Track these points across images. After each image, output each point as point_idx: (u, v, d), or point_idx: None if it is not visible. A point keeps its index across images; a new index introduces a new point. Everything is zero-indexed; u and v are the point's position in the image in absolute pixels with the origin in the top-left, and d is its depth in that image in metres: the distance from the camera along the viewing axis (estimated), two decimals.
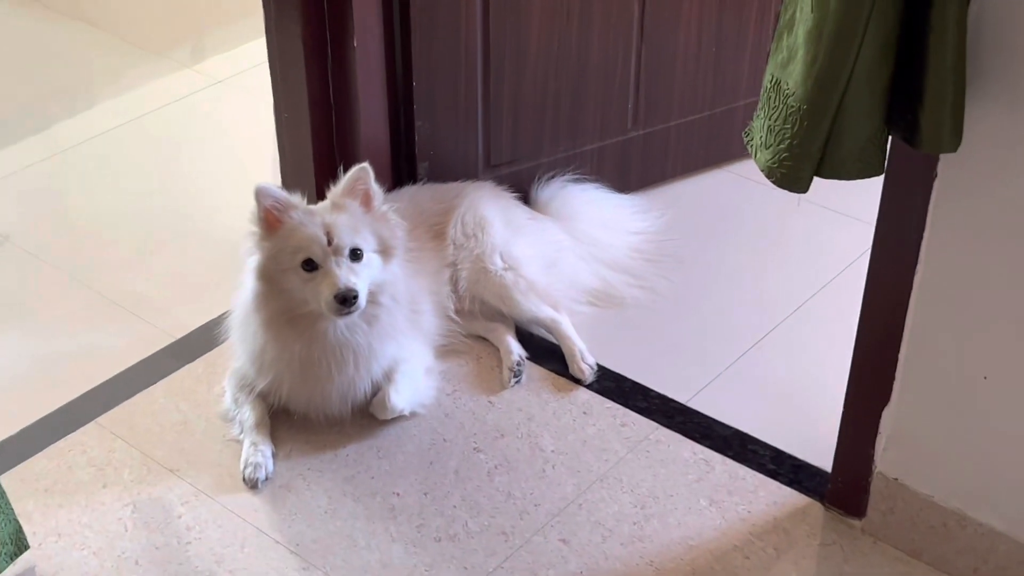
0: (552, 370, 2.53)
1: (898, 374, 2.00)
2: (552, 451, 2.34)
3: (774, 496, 2.24)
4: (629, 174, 3.00)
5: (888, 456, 2.07)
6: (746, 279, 2.82)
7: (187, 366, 2.55)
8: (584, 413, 2.43)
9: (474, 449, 2.35)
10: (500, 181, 2.76)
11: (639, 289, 2.74)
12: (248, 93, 3.61)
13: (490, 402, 2.46)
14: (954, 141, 1.68)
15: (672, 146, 3.04)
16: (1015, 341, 1.84)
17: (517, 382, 2.49)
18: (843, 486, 2.17)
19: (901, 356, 1.98)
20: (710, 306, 2.73)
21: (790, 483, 2.27)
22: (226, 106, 3.58)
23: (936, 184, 1.82)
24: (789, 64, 1.69)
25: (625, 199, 2.96)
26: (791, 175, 1.73)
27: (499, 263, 2.55)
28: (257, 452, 2.29)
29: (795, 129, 1.69)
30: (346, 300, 2.15)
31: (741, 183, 3.09)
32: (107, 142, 3.38)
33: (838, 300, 2.73)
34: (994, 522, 1.97)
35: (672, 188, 3.08)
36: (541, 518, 2.21)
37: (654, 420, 2.41)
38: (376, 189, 2.27)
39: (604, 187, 2.92)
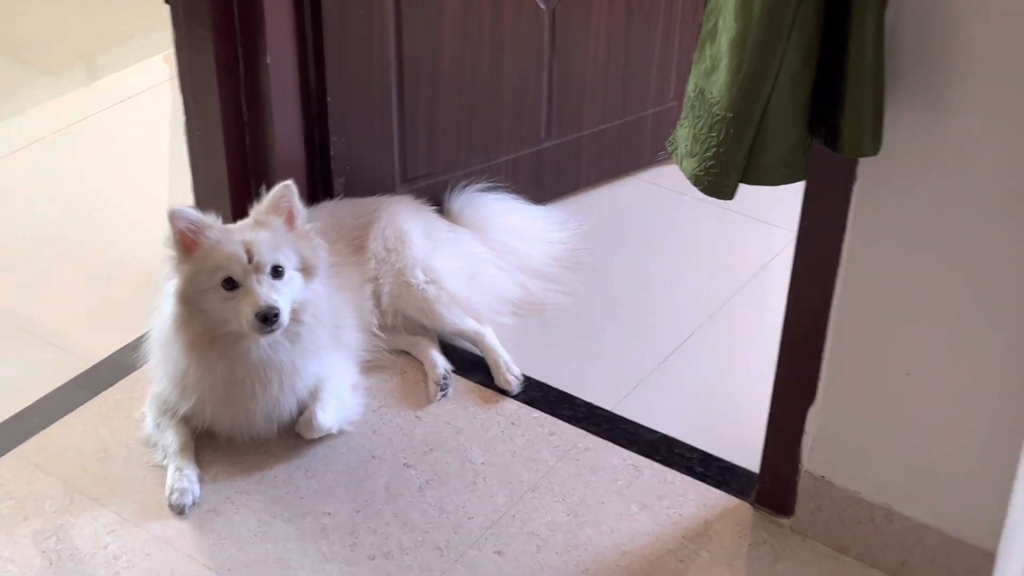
0: (478, 382, 2.53)
1: (822, 374, 2.04)
2: (482, 463, 2.34)
3: (704, 498, 2.27)
4: (544, 184, 3.01)
5: (815, 455, 2.11)
6: (663, 285, 2.85)
7: (104, 393, 2.49)
8: (512, 424, 2.44)
9: (404, 465, 2.34)
10: (418, 194, 2.76)
11: (560, 295, 2.76)
12: (147, 111, 3.54)
13: (417, 417, 2.45)
14: (874, 145, 1.72)
15: (585, 156, 3.06)
16: (936, 338, 1.89)
17: (444, 396, 2.48)
18: (771, 486, 2.20)
19: (825, 356, 2.02)
20: (629, 313, 2.76)
21: (719, 485, 2.30)
22: (125, 125, 3.51)
23: (856, 187, 1.86)
24: (713, 73, 1.72)
25: (541, 209, 2.97)
26: (718, 183, 1.75)
27: (421, 277, 2.55)
28: (182, 477, 2.25)
29: (721, 137, 1.71)
30: (268, 318, 2.13)
31: (653, 190, 3.13)
32: (2, 166, 3.28)
33: (754, 303, 2.78)
34: (920, 515, 2.02)
35: (587, 197, 3.11)
36: (475, 531, 2.20)
37: (582, 428, 2.42)
38: (300, 207, 2.25)
39: (520, 198, 2.92)
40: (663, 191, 3.11)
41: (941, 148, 1.76)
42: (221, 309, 2.17)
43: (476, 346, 2.57)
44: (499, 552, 2.16)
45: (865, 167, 1.83)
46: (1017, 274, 1.75)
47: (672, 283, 2.86)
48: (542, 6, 2.78)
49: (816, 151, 1.80)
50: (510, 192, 2.90)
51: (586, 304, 2.77)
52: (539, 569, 2.13)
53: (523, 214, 2.90)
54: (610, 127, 3.06)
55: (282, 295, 2.16)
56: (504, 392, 2.50)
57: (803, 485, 2.14)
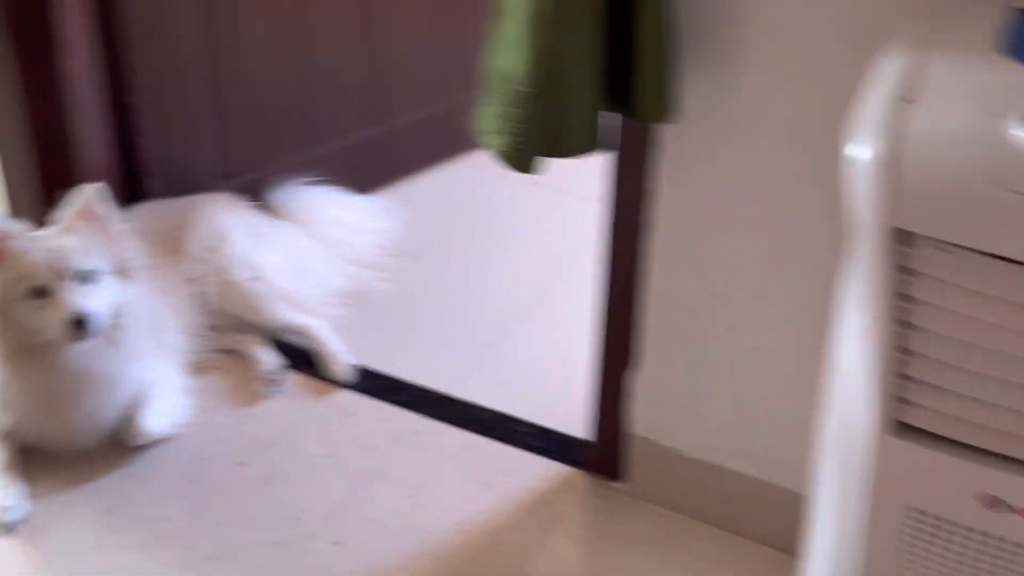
0: (311, 375, 2.51)
1: (642, 337, 2.09)
2: (318, 455, 2.33)
3: (541, 471, 2.30)
4: (368, 174, 3.01)
5: (641, 417, 2.16)
6: (492, 265, 2.88)
7: None
8: (347, 414, 2.43)
9: (238, 464, 2.31)
10: (238, 191, 2.72)
11: (389, 283, 2.76)
12: None
13: (250, 414, 2.42)
14: (669, 112, 1.77)
15: (407, 143, 3.07)
16: (746, 295, 1.95)
17: (276, 391, 2.46)
18: (603, 452, 2.25)
19: (644, 319, 2.07)
20: (459, 295, 2.78)
21: (555, 457, 2.33)
22: None
23: (660, 153, 1.91)
24: (510, 50, 1.74)
25: (366, 199, 2.97)
26: (525, 158, 1.77)
27: (243, 273, 2.52)
28: (9, 494, 2.18)
29: (523, 113, 1.73)
30: (79, 324, 2.09)
31: (477, 173, 3.15)
32: None
33: (579, 275, 2.81)
34: (745, 468, 2.08)
35: (412, 184, 3.12)
36: (313, 523, 2.19)
37: (417, 412, 2.43)
38: (108, 209, 2.20)
39: (344, 188, 2.91)
40: (487, 173, 3.10)
41: (736, 112, 1.81)
42: (33, 319, 2.11)
43: (306, 339, 2.56)
44: (339, 542, 2.15)
45: (668, 134, 1.88)
46: (815, 228, 1.82)
47: (499, 262, 2.89)
48: None
49: (623, 120, 1.84)
50: (333, 183, 2.89)
51: (415, 290, 2.78)
52: (380, 555, 2.13)
53: (347, 205, 2.90)
54: (432, 113, 3.08)
55: (94, 300, 2.11)
56: (337, 383, 2.49)
57: (633, 448, 2.19)
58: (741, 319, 1.98)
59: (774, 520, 2.04)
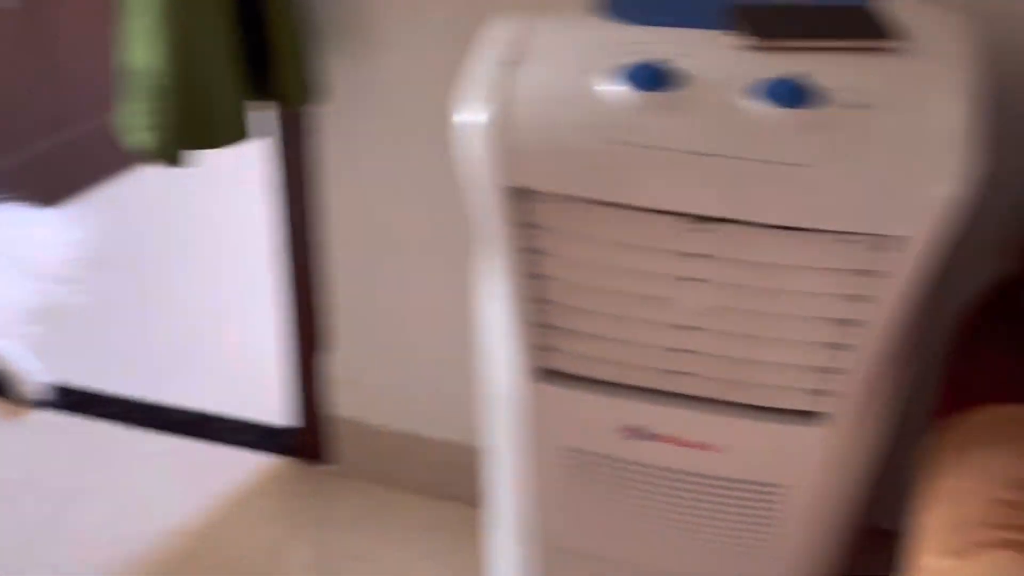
0: (2, 399, 2.42)
1: (333, 319, 2.11)
2: (14, 480, 2.25)
3: (249, 464, 2.30)
4: (51, 186, 2.92)
5: (339, 399, 2.18)
6: (187, 266, 2.84)
7: None
8: (44, 434, 2.36)
9: None
10: None
11: (83, 295, 2.69)
12: None
13: None
14: (311, 95, 1.80)
15: (90, 151, 2.99)
16: (414, 269, 2.00)
17: None
18: (307, 438, 2.26)
19: (332, 301, 2.09)
20: (155, 300, 2.74)
21: (261, 448, 2.33)
22: None
23: (320, 137, 1.93)
24: (145, 45, 1.72)
25: (52, 211, 2.88)
26: (172, 152, 1.78)
27: None
28: None
29: (166, 107, 1.73)
30: None
31: (166, 175, 3.08)
32: None
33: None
34: (440, 434, 2.14)
35: (101, 192, 3.04)
36: (19, 551, 2.11)
37: (120, 422, 2.39)
38: None
39: (26, 203, 2.81)
40: (174, 175, 3.06)
41: (380, 91, 1.85)
42: None
43: None
44: (50, 565, 2.08)
45: (324, 117, 1.90)
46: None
47: (196, 262, 2.86)
48: (11, 5, 2.67)
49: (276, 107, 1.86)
50: (13, 199, 2.78)
51: (110, 300, 2.72)
52: (92, 571, 2.08)
53: (30, 220, 2.80)
54: (112, 119, 2.99)
55: None
56: (32, 404, 2.41)
57: (336, 430, 2.21)
58: (414, 292, 2.02)
59: (474, 479, 2.11)
